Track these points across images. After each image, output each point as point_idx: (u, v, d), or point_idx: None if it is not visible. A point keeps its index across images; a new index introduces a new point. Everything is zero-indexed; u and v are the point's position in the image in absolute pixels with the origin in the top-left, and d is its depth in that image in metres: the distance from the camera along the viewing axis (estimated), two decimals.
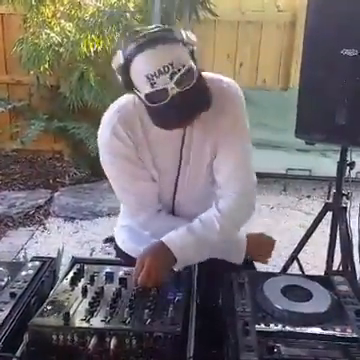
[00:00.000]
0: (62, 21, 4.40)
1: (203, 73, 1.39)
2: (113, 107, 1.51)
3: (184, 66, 1.26)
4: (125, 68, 1.30)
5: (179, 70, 1.25)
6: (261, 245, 1.70)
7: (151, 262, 1.36)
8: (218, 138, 1.48)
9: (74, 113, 4.67)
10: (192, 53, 1.33)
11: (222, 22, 5.02)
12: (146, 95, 1.28)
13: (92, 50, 4.32)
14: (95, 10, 4.27)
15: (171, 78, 1.24)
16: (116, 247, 1.82)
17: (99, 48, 4.36)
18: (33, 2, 4.24)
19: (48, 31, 4.29)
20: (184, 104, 1.27)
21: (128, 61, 1.28)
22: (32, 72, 4.53)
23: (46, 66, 4.35)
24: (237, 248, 1.62)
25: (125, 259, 1.64)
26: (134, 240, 1.69)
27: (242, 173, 1.53)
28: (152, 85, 1.25)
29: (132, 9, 4.38)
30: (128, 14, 4.32)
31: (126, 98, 1.50)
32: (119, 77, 1.35)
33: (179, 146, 1.50)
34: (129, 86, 1.34)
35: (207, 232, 1.47)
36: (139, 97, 1.34)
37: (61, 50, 4.28)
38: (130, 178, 1.53)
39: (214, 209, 1.50)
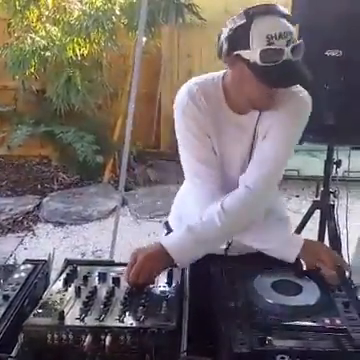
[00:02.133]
0: (47, 25, 4.40)
1: None
2: (191, 81, 1.57)
3: (298, 40, 1.39)
4: (246, 26, 1.37)
5: (294, 41, 1.37)
6: (318, 252, 1.52)
7: (142, 260, 1.37)
8: (269, 127, 1.53)
9: (61, 117, 4.67)
10: None
11: (209, 25, 5.05)
12: (262, 51, 1.35)
13: (78, 54, 4.33)
14: (80, 14, 4.27)
15: (287, 44, 1.35)
16: (168, 229, 1.80)
17: (85, 52, 4.37)
18: (18, 7, 4.23)
19: (33, 35, 4.29)
20: (292, 70, 1.37)
21: (250, 20, 1.37)
22: (18, 77, 4.52)
23: (32, 71, 4.34)
24: (290, 244, 1.52)
25: None
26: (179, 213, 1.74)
27: (264, 171, 1.53)
28: (270, 44, 1.34)
29: (118, 12, 4.39)
30: (114, 17, 4.34)
31: (204, 77, 1.58)
32: (226, 42, 1.41)
33: (251, 133, 1.55)
34: (238, 46, 1.39)
35: (207, 230, 1.46)
36: (243, 59, 1.39)
37: (47, 54, 4.28)
38: (199, 144, 1.55)
39: (218, 205, 1.48)
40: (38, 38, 4.26)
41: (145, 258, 1.38)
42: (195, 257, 1.45)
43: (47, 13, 4.44)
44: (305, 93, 1.55)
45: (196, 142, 1.54)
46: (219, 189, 1.54)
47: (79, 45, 4.30)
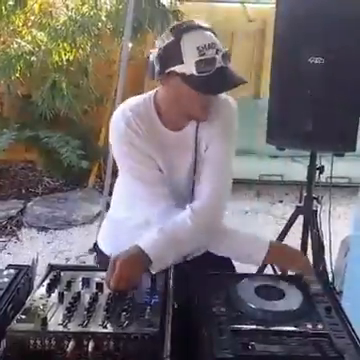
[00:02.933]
0: (33, 30, 4.39)
1: None
2: (124, 105, 1.62)
3: (224, 48, 1.48)
4: (176, 41, 1.44)
5: (222, 49, 1.46)
6: (285, 254, 1.60)
7: (123, 263, 1.37)
8: (209, 138, 1.60)
9: (46, 122, 4.65)
10: None
11: None
12: (196, 63, 1.42)
13: (64, 59, 4.33)
14: (66, 19, 4.27)
15: (217, 53, 1.44)
16: (97, 251, 1.84)
17: (71, 57, 4.37)
18: (4, 11, 4.21)
19: (19, 40, 4.28)
20: (229, 74, 1.47)
21: (179, 37, 1.44)
22: (3, 81, 4.49)
23: (17, 75, 4.32)
24: (256, 247, 1.57)
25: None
26: (115, 235, 1.75)
27: (219, 174, 1.60)
28: (202, 55, 1.42)
29: (104, 18, 4.40)
30: (100, 23, 4.35)
31: (134, 100, 1.63)
32: (158, 62, 1.46)
33: (192, 147, 1.60)
34: (170, 63, 1.45)
35: (178, 230, 1.50)
36: (177, 74, 1.45)
37: (33, 59, 4.26)
38: (143, 167, 1.58)
39: (188, 208, 1.54)
40: (24, 43, 4.24)
41: (124, 263, 1.38)
42: (169, 259, 1.46)
43: (33, 18, 4.42)
44: (231, 98, 1.65)
45: (139, 166, 1.58)
46: (169, 196, 1.58)
47: (65, 50, 4.29)
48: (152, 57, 1.48)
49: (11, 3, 4.18)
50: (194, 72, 1.42)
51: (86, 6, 4.41)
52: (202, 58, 1.42)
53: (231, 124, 1.64)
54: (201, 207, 1.55)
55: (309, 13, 2.25)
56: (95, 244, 1.87)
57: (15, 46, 4.24)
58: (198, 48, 1.42)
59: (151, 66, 1.49)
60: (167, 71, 1.46)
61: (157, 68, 1.47)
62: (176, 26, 1.47)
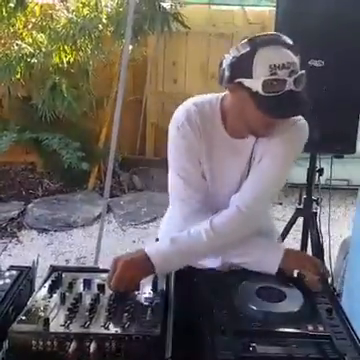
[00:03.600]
0: (34, 32, 4.39)
1: None
2: (191, 99, 1.58)
3: (301, 71, 1.39)
4: (250, 54, 1.37)
5: (297, 72, 1.38)
6: (301, 259, 1.56)
7: (124, 265, 1.37)
8: (265, 153, 1.54)
9: (46, 124, 4.65)
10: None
11: (194, 34, 5.10)
12: (264, 82, 1.36)
13: (65, 61, 4.34)
14: (67, 21, 4.28)
15: (290, 75, 1.36)
16: None
17: (71, 59, 4.37)
18: (4, 13, 4.22)
19: (19, 42, 4.29)
20: (294, 101, 1.38)
21: (254, 49, 1.37)
22: (3, 84, 4.50)
23: (18, 77, 4.33)
24: (270, 255, 1.53)
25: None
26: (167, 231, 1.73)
27: (257, 193, 1.54)
28: (272, 74, 1.35)
29: (104, 20, 4.41)
30: (100, 25, 4.35)
31: (203, 97, 1.59)
32: (228, 69, 1.41)
33: (247, 158, 1.56)
34: (240, 74, 1.40)
35: (192, 243, 1.47)
36: (244, 87, 1.39)
37: (33, 61, 4.27)
38: (189, 166, 1.56)
39: (207, 222, 1.49)
40: (24, 45, 4.25)
41: (125, 265, 1.38)
42: (176, 267, 1.46)
43: (34, 20, 4.43)
44: (303, 120, 1.57)
45: (185, 164, 1.56)
46: (205, 211, 1.54)
47: (65, 52, 4.30)
48: (224, 63, 1.43)
49: (12, 5, 4.18)
50: (260, 90, 1.36)
51: (87, 8, 4.42)
52: (271, 78, 1.35)
53: (293, 143, 1.56)
54: (222, 225, 1.49)
55: (309, 16, 2.26)
56: (157, 239, 1.81)
57: (16, 48, 4.25)
58: (271, 66, 1.35)
59: (222, 72, 1.44)
60: (236, 81, 1.41)
61: (227, 75, 1.42)
62: (256, 37, 1.41)
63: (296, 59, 1.40)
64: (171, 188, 1.61)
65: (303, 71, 1.40)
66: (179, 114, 1.56)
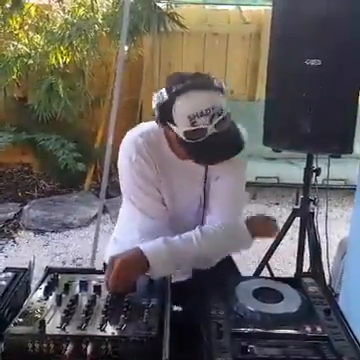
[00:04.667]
0: (30, 33, 4.38)
1: None
2: (134, 132, 1.60)
3: (222, 112, 1.39)
4: (168, 104, 1.40)
5: (219, 115, 1.38)
6: (266, 226, 1.72)
7: (121, 263, 1.37)
8: (221, 170, 1.57)
9: (42, 125, 4.64)
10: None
11: (189, 34, 5.10)
12: (185, 132, 1.39)
13: (61, 61, 4.32)
14: (63, 22, 4.27)
15: (210, 121, 1.37)
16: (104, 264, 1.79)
17: (67, 60, 4.36)
18: (0, 14, 4.21)
19: (15, 43, 4.27)
20: (219, 144, 1.38)
21: (172, 99, 1.39)
22: None
23: (14, 77, 4.31)
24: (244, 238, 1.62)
25: None
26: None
27: (233, 210, 1.63)
28: (192, 124, 1.37)
29: (100, 21, 4.40)
30: (96, 26, 4.34)
31: (146, 126, 1.60)
32: (156, 111, 1.45)
33: (202, 178, 1.60)
34: (165, 120, 1.44)
35: (183, 245, 1.49)
36: (172, 130, 1.44)
37: (29, 61, 4.26)
38: (148, 199, 1.59)
39: (197, 229, 1.54)
40: (21, 45, 4.24)
41: (122, 264, 1.37)
42: (168, 268, 1.45)
43: (30, 21, 4.42)
44: (242, 130, 1.57)
45: (143, 197, 1.58)
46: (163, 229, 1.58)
47: (61, 53, 4.29)
48: (153, 103, 1.46)
49: (8, 6, 4.17)
50: (184, 138, 1.41)
51: (82, 9, 4.41)
52: (191, 129, 1.38)
53: (244, 157, 1.60)
54: (212, 232, 1.54)
55: (306, 15, 2.26)
56: (104, 264, 1.81)
57: (12, 49, 4.23)
58: (189, 116, 1.37)
59: (153, 111, 1.47)
60: (164, 123, 1.46)
61: (156, 115, 1.46)
62: (172, 85, 1.41)
63: (218, 100, 1.40)
64: (131, 220, 1.65)
65: (227, 112, 1.40)
66: (128, 149, 1.57)
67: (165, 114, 1.43)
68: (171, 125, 1.43)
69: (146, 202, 1.58)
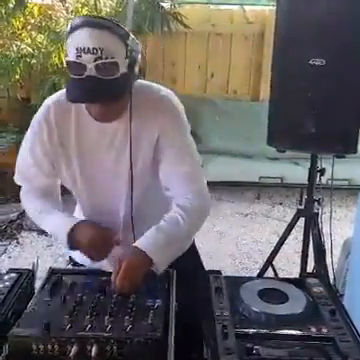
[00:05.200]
0: (33, 33, 4.38)
1: (144, 82, 1.56)
2: (50, 97, 1.58)
3: (112, 58, 1.33)
4: (69, 33, 1.36)
5: (105, 58, 1.32)
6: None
7: (128, 263, 1.36)
8: (158, 139, 1.50)
9: None
10: (131, 57, 1.38)
11: (193, 34, 5.09)
12: (67, 62, 1.36)
13: (64, 61, 4.31)
14: (66, 22, 4.26)
15: (94, 60, 1.32)
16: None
17: None
18: (3, 14, 4.20)
19: (18, 43, 4.27)
20: (93, 86, 1.34)
21: (72, 30, 1.35)
22: (2, 85, 4.48)
23: (17, 77, 4.31)
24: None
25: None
26: None
27: (190, 162, 1.55)
28: (77, 57, 1.33)
29: None
30: None
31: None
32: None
33: (120, 144, 1.51)
34: (66, 51, 1.41)
35: (174, 229, 1.47)
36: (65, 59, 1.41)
37: (32, 61, 4.25)
38: (37, 171, 1.61)
39: (175, 208, 1.51)
40: (24, 45, 4.23)
41: (129, 264, 1.36)
42: (169, 257, 1.46)
43: (33, 21, 4.42)
44: (169, 94, 1.54)
45: (33, 169, 1.61)
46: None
47: (65, 52, 4.28)
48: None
49: (11, 5, 4.17)
50: (68, 72, 1.38)
51: (86, 9, 4.40)
52: (74, 60, 1.34)
53: (179, 115, 1.54)
54: (190, 207, 1.51)
55: (310, 14, 2.25)
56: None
57: (15, 49, 4.23)
58: (77, 48, 1.33)
59: None
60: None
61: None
62: (76, 19, 1.37)
63: (111, 45, 1.34)
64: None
65: (114, 59, 1.34)
66: (37, 113, 1.56)
67: (66, 45, 1.40)
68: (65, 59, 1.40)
69: (33, 172, 1.62)
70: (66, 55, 1.39)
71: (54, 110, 1.52)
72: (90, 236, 1.48)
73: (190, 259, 1.70)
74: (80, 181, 1.58)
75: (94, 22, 1.34)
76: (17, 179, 1.71)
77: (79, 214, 1.72)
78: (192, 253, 1.76)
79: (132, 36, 1.40)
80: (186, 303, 1.36)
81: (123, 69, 1.36)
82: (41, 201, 1.65)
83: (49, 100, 1.56)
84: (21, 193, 1.72)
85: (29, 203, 1.69)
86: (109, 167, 1.54)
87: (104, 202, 1.61)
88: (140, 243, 1.43)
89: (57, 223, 1.56)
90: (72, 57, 1.34)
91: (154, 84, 1.59)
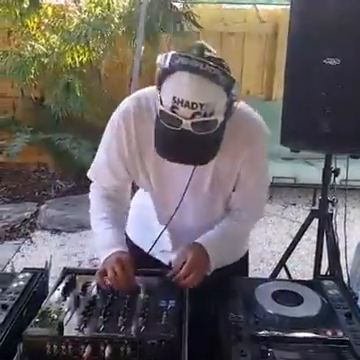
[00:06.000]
0: (47, 33, 4.40)
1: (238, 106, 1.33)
2: (134, 96, 1.48)
3: (211, 115, 1.21)
4: (165, 73, 1.22)
5: (204, 115, 1.20)
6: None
7: (193, 259, 1.37)
8: (240, 167, 1.47)
9: (59, 125, 4.65)
10: (229, 105, 1.27)
11: (205, 33, 5.07)
12: (161, 110, 1.24)
13: (77, 61, 4.33)
14: (79, 22, 4.28)
15: (192, 117, 1.19)
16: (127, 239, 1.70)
17: (84, 59, 4.37)
18: (17, 15, 4.23)
19: (33, 43, 4.30)
20: (186, 145, 1.23)
21: (172, 69, 1.21)
22: (17, 85, 4.52)
23: (31, 77, 4.33)
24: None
25: (135, 252, 1.59)
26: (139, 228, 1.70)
27: (257, 202, 1.60)
28: (173, 107, 1.20)
29: (116, 20, 4.40)
30: (113, 25, 4.35)
31: (150, 89, 1.44)
32: (157, 70, 1.27)
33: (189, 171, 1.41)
34: (158, 87, 1.27)
35: (235, 237, 1.55)
36: (158, 102, 1.27)
37: (46, 61, 4.27)
38: (110, 173, 1.54)
39: (236, 215, 1.54)
40: (38, 45, 4.26)
41: (194, 256, 1.39)
42: (223, 261, 1.50)
43: (47, 21, 4.44)
44: (254, 115, 1.47)
45: (107, 171, 1.53)
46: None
47: (78, 53, 4.29)
48: (157, 60, 1.28)
49: (25, 6, 4.20)
50: (159, 119, 1.25)
51: (99, 8, 4.42)
52: (169, 112, 1.20)
53: (265, 141, 1.51)
54: (245, 222, 1.56)
55: (324, 13, 2.22)
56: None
57: (29, 48, 4.26)
58: (174, 98, 1.18)
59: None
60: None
61: (156, 76, 1.28)
62: (181, 55, 1.20)
63: (214, 99, 1.19)
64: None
65: (214, 116, 1.21)
66: (116, 114, 1.48)
67: (158, 80, 1.25)
68: (158, 92, 1.26)
69: (108, 177, 1.55)
70: (160, 99, 1.24)
71: (134, 115, 1.41)
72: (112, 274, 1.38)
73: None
74: (154, 189, 1.53)
75: (197, 68, 1.17)
76: (90, 175, 1.62)
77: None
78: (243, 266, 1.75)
79: (236, 82, 1.26)
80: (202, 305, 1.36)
81: (221, 119, 1.24)
82: (106, 205, 1.57)
83: (129, 103, 1.45)
84: (91, 185, 1.63)
85: (94, 200, 1.61)
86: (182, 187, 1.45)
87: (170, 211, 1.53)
88: (203, 241, 1.44)
89: (102, 244, 1.51)
90: (167, 106, 1.20)
91: (243, 105, 1.42)
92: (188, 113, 1.18)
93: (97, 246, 1.53)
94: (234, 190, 1.51)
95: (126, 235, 1.64)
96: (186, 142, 1.22)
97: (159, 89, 1.26)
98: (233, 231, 1.52)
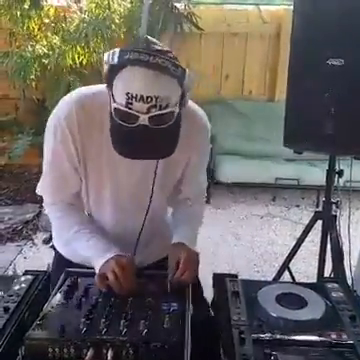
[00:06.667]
0: (48, 34, 4.40)
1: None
2: (75, 93, 1.41)
3: (167, 107, 1.20)
4: (114, 70, 1.20)
5: (160, 108, 1.18)
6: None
7: (186, 256, 1.39)
8: (189, 158, 1.51)
9: None
10: (183, 96, 1.26)
11: (208, 34, 5.07)
12: (115, 108, 1.21)
13: (78, 62, 4.32)
14: (80, 22, 4.27)
15: (148, 111, 1.18)
16: (54, 249, 1.69)
17: (85, 60, 4.36)
18: (18, 16, 4.23)
19: (34, 44, 4.30)
20: (146, 140, 1.21)
21: (121, 65, 1.18)
22: (18, 86, 4.51)
23: (32, 78, 4.32)
24: None
25: (63, 264, 1.54)
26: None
27: (202, 188, 1.69)
28: (127, 103, 1.18)
29: (117, 21, 4.39)
30: (113, 26, 4.34)
31: (92, 89, 1.42)
32: (105, 68, 1.25)
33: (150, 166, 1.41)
34: (108, 84, 1.24)
35: (199, 220, 1.64)
36: (110, 100, 1.24)
37: (47, 61, 4.26)
38: (62, 179, 1.47)
39: (184, 207, 1.61)
40: (39, 46, 4.25)
41: (188, 254, 1.42)
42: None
43: (48, 22, 4.44)
44: (196, 108, 1.47)
45: (59, 175, 1.46)
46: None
47: (78, 53, 4.28)
48: (104, 57, 1.25)
49: (26, 7, 4.19)
50: (114, 117, 1.22)
51: (100, 9, 4.40)
52: (124, 109, 1.18)
53: (208, 133, 1.52)
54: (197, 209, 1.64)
55: (327, 14, 2.22)
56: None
57: (30, 49, 4.25)
58: (127, 94, 1.16)
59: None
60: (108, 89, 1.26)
61: (104, 75, 1.25)
62: (128, 50, 1.17)
63: (167, 91, 1.18)
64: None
65: (170, 108, 1.19)
66: (55, 114, 1.40)
67: (110, 79, 1.22)
68: (110, 92, 1.23)
69: (58, 178, 1.47)
70: (112, 97, 1.21)
71: (77, 117, 1.36)
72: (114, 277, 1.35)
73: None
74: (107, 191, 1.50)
75: (148, 61, 1.16)
76: (41, 191, 1.56)
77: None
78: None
79: (188, 72, 1.23)
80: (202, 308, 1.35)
81: (176, 111, 1.23)
82: (73, 218, 1.53)
83: (70, 102, 1.38)
84: (45, 207, 1.59)
85: (57, 220, 1.59)
86: (136, 179, 1.47)
87: (126, 216, 1.54)
88: (181, 239, 1.48)
89: (92, 254, 1.45)
90: (121, 103, 1.18)
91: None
92: (143, 108, 1.17)
93: (87, 258, 1.46)
94: (180, 182, 1.56)
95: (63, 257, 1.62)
96: (145, 137, 1.20)
97: (110, 87, 1.23)
98: (194, 216, 1.62)
